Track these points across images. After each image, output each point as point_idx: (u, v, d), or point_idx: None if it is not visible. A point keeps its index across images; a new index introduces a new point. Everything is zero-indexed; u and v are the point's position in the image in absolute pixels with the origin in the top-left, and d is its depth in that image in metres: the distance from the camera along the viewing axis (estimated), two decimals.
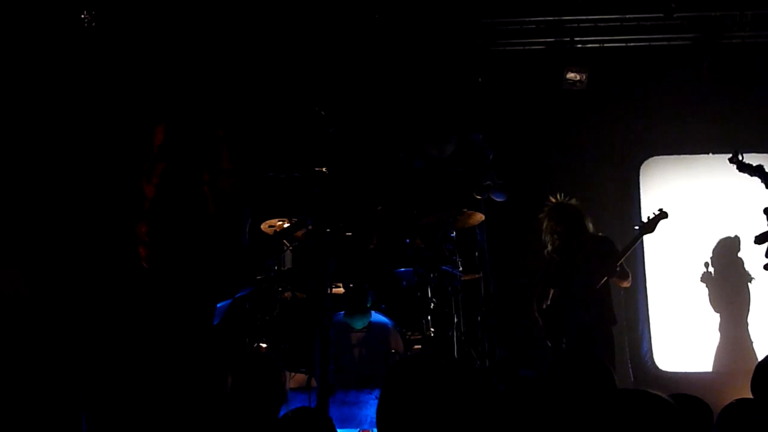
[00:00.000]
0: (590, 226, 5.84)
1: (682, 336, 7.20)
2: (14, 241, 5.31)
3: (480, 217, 6.15)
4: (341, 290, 5.77)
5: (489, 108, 7.12)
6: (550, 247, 5.85)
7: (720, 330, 7.15)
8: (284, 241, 5.77)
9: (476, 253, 6.34)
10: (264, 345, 5.69)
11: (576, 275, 5.67)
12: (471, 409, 2.08)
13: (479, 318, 6.19)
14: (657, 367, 7.16)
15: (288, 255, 6.21)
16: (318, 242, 4.41)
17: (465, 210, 6.05)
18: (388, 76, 7.10)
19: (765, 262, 5.80)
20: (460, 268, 6.00)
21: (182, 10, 6.20)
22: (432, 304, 5.77)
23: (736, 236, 7.22)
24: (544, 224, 5.88)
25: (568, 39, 6.96)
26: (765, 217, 5.76)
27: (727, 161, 5.91)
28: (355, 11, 6.61)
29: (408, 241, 6.03)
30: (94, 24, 5.84)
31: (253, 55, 6.73)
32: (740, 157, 5.86)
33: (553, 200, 5.91)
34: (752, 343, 7.04)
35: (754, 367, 3.11)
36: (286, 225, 5.69)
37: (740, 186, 6.57)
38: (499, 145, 6.77)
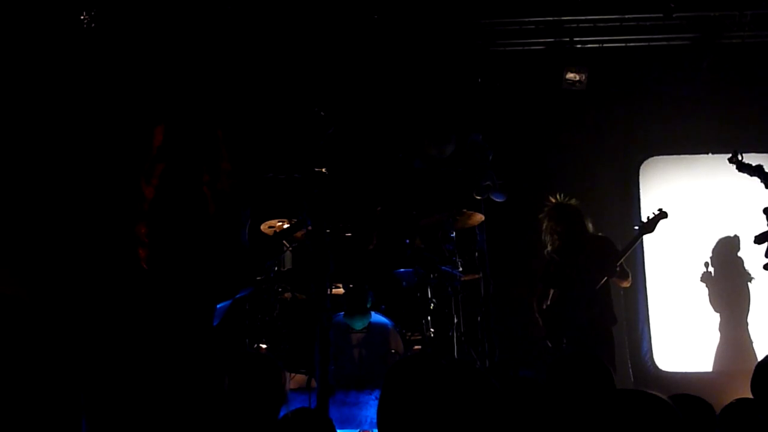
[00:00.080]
0: (590, 226, 5.85)
1: (682, 336, 7.20)
2: (13, 242, 5.31)
3: (480, 217, 6.15)
4: (341, 291, 5.77)
5: (489, 108, 7.13)
6: (550, 247, 5.85)
7: (720, 330, 7.16)
8: (284, 241, 5.77)
9: (476, 254, 6.34)
10: (264, 346, 5.68)
11: (576, 275, 5.67)
12: (471, 410, 2.08)
13: (479, 318, 6.18)
14: (657, 367, 7.16)
15: (288, 256, 6.21)
16: (318, 243, 4.42)
17: (465, 210, 6.04)
18: (387, 77, 7.11)
19: (765, 262, 5.80)
20: (460, 269, 6.00)
21: (182, 11, 6.20)
22: (432, 305, 5.77)
23: (735, 236, 7.22)
24: (544, 224, 5.88)
25: (568, 39, 6.97)
26: (765, 216, 5.76)
27: (727, 161, 5.91)
28: (355, 12, 6.61)
29: (408, 241, 6.03)
30: (93, 25, 5.84)
31: (253, 56, 6.73)
32: (740, 157, 5.86)
33: (553, 200, 5.91)
34: (752, 343, 7.04)
35: (754, 367, 3.11)
36: (285, 226, 5.69)
37: (740, 186, 6.57)
38: (499, 145, 6.76)
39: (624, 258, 5.70)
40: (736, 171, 5.88)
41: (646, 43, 6.98)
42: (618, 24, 6.82)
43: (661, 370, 7.14)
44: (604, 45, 7.04)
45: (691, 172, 7.42)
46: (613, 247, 5.78)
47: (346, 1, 6.59)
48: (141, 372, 3.04)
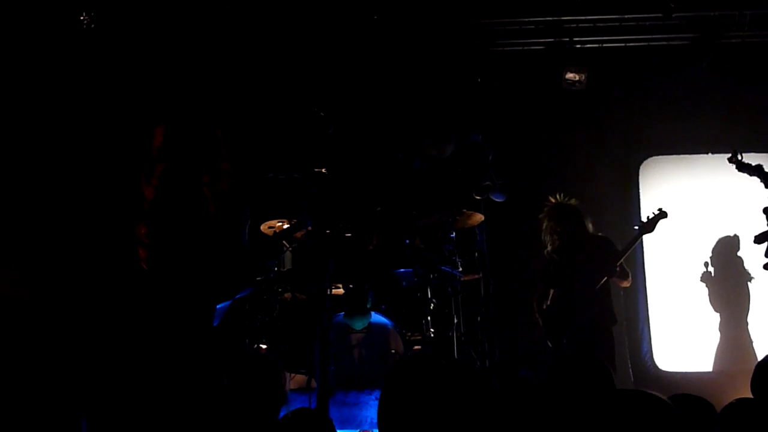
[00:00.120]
0: (590, 226, 5.85)
1: (682, 336, 7.20)
2: (13, 243, 5.30)
3: (479, 217, 6.15)
4: (341, 291, 5.77)
5: (488, 108, 7.13)
6: (550, 247, 5.85)
7: (720, 330, 7.16)
8: (284, 242, 5.77)
9: (476, 254, 6.34)
10: (264, 346, 5.68)
11: (576, 275, 5.67)
12: (471, 410, 2.08)
13: (479, 318, 6.19)
14: (657, 367, 7.16)
15: (288, 256, 6.21)
16: (317, 243, 4.41)
17: (464, 210, 6.04)
18: (387, 77, 7.10)
19: (765, 262, 5.80)
20: (460, 269, 6.00)
21: (181, 11, 6.20)
22: (432, 305, 5.77)
23: (735, 236, 7.22)
24: (544, 224, 5.88)
25: (567, 39, 6.97)
26: (764, 216, 5.76)
27: (727, 161, 5.91)
28: (354, 12, 6.61)
29: (408, 241, 6.03)
30: (93, 25, 5.84)
31: (252, 56, 6.73)
32: (739, 157, 5.86)
33: (553, 200, 5.91)
34: (752, 342, 7.04)
35: (754, 367, 3.11)
36: (285, 226, 5.69)
37: (740, 186, 6.57)
38: (498, 145, 6.77)
39: (624, 258, 5.70)
40: (736, 171, 5.88)
41: (646, 43, 6.98)
42: (618, 24, 6.82)
43: (661, 370, 7.14)
44: (604, 45, 7.04)
45: (691, 172, 7.42)
46: (613, 247, 5.78)
47: (346, 1, 6.59)
48: (141, 372, 3.04)
